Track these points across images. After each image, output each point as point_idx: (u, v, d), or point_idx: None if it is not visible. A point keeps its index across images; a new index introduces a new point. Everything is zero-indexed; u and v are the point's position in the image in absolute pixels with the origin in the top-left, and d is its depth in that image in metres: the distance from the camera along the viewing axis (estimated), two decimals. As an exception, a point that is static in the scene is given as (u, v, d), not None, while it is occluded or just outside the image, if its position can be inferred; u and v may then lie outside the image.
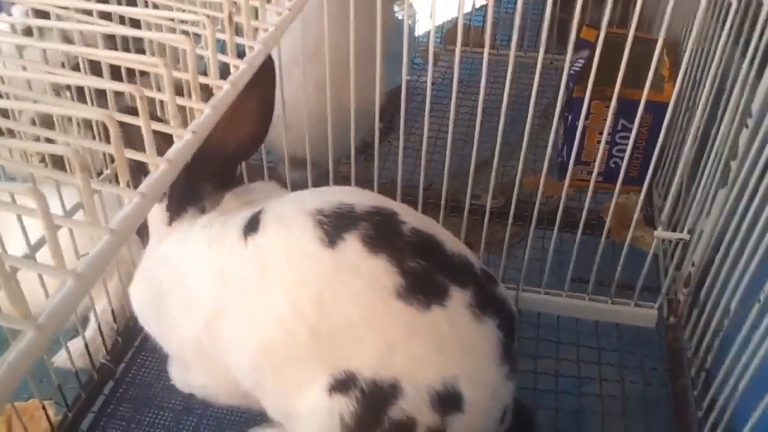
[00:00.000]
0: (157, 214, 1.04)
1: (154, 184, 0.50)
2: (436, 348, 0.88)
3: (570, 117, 1.75)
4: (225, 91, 0.61)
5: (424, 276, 0.88)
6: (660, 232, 1.28)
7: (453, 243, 0.96)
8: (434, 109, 1.28)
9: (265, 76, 0.96)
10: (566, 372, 1.36)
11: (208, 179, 1.01)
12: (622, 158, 1.26)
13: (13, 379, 0.37)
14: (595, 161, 1.34)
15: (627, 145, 1.21)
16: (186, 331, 0.98)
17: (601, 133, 1.43)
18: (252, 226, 0.94)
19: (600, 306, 1.41)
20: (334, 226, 0.89)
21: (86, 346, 1.21)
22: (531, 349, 1.39)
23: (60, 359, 1.22)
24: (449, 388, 0.88)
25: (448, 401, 0.88)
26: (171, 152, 0.53)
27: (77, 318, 1.19)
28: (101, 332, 1.25)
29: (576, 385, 1.34)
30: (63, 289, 0.42)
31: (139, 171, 0.58)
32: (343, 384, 0.87)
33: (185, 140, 0.54)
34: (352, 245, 0.88)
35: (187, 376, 1.16)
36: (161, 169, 0.51)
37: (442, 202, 1.34)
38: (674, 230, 1.35)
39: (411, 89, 1.32)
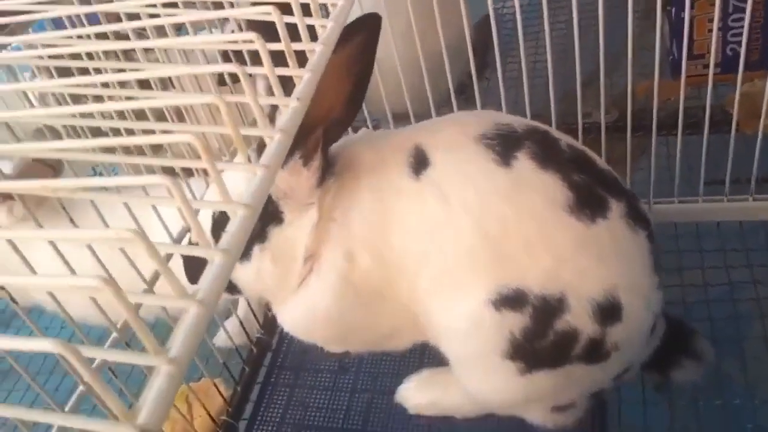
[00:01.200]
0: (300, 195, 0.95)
1: (273, 155, 0.53)
2: (599, 260, 0.89)
3: (674, 10, 1.63)
4: (319, 52, 0.62)
5: (588, 189, 0.90)
6: (793, 114, 1.18)
7: (599, 159, 0.97)
8: (527, 33, 1.24)
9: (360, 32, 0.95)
10: (715, 280, 1.31)
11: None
12: (739, 43, 1.17)
13: (188, 351, 0.40)
14: (709, 52, 1.26)
15: (743, 27, 1.12)
16: (415, 296, 0.96)
17: (710, 21, 1.34)
18: (420, 163, 0.94)
19: (741, 205, 1.33)
20: (503, 146, 0.91)
21: (241, 323, 1.29)
22: (673, 262, 1.34)
23: (220, 339, 1.32)
24: (609, 299, 0.89)
25: (608, 311, 0.89)
26: (282, 122, 0.56)
27: (229, 300, 1.27)
28: (251, 309, 1.33)
29: (728, 291, 1.29)
30: (213, 265, 0.45)
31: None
32: (512, 300, 0.89)
33: (292, 108, 0.57)
34: (524, 162, 0.90)
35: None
36: (276, 139, 0.54)
37: (553, 125, 1.30)
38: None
39: (498, 19, 1.28)
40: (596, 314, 0.89)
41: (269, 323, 1.38)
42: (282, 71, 0.59)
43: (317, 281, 0.97)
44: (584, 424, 1.09)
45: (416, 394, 1.19)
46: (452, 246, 0.92)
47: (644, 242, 0.94)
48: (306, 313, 1.00)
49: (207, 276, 0.44)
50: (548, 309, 0.89)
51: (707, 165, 1.28)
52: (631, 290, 0.91)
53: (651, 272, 0.94)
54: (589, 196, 0.90)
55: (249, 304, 1.32)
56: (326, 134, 0.92)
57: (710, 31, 1.40)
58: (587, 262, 0.89)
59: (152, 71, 0.60)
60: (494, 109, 1.38)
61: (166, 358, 0.39)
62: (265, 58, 0.56)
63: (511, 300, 0.89)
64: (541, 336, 0.90)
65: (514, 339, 0.90)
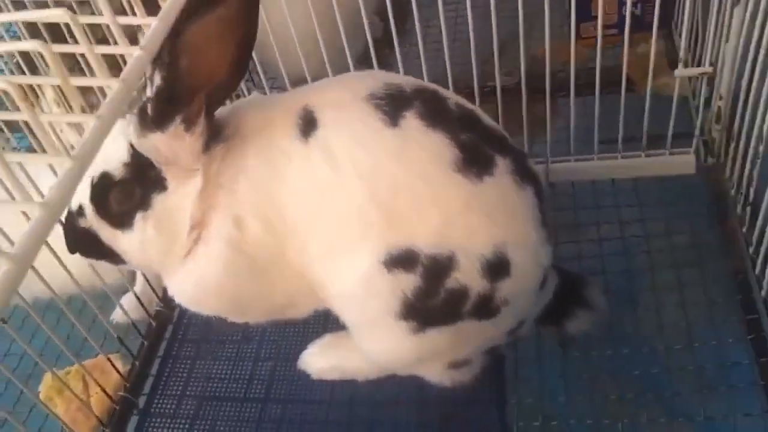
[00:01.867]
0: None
1: (109, 103, 0.50)
2: (488, 217, 0.90)
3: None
4: (170, 1, 0.59)
5: (475, 147, 0.91)
6: (681, 70, 1.22)
7: (487, 118, 0.98)
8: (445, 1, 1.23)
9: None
10: (609, 235, 1.34)
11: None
12: (635, 5, 1.19)
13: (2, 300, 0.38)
14: (606, 13, 1.28)
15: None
16: (304, 266, 0.95)
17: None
18: (308, 124, 0.92)
19: (633, 162, 1.37)
20: (392, 106, 0.91)
21: (137, 298, 1.25)
22: (570, 218, 1.37)
23: (117, 315, 1.28)
24: (498, 255, 0.90)
25: (497, 267, 0.90)
26: (124, 71, 0.53)
27: (124, 275, 1.23)
28: (149, 283, 1.29)
29: (620, 245, 1.33)
30: (33, 221, 0.43)
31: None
32: (402, 260, 0.89)
33: (136, 57, 0.54)
34: (412, 122, 0.90)
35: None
36: (115, 88, 0.51)
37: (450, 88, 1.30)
38: (697, 66, 1.29)
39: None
40: (485, 270, 0.90)
41: (169, 296, 1.34)
42: (126, 20, 0.56)
43: (205, 251, 0.94)
44: (481, 379, 1.11)
45: (318, 359, 1.19)
46: (342, 208, 0.91)
47: (531, 198, 0.95)
48: (195, 284, 0.97)
49: (25, 232, 0.42)
50: (438, 268, 0.89)
51: (605, 125, 1.31)
52: (518, 245, 0.92)
53: (539, 227, 0.95)
54: (476, 154, 0.91)
55: (145, 278, 1.29)
56: (209, 99, 0.89)
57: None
58: (475, 219, 0.90)
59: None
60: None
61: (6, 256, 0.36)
62: (104, 6, 0.53)
63: (401, 260, 0.89)
64: (432, 295, 0.90)
65: (406, 299, 0.90)
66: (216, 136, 0.92)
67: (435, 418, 1.12)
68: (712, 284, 1.22)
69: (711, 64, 1.21)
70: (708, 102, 1.30)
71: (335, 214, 0.91)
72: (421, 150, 0.89)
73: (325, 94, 0.96)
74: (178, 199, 0.92)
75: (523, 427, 1.10)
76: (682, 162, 1.35)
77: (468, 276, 0.90)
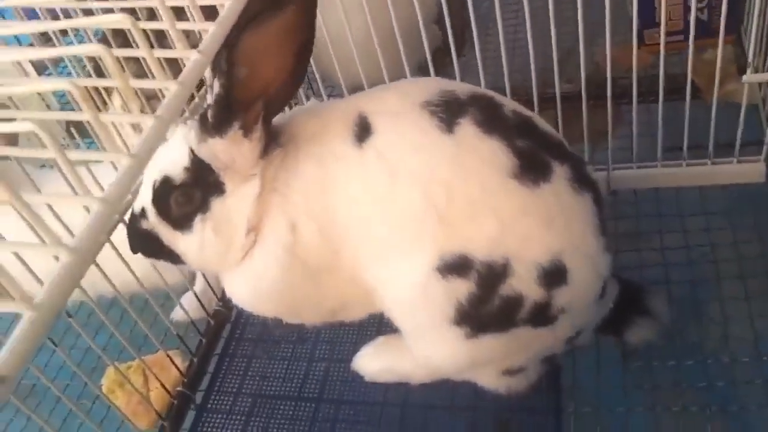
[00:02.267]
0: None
1: (167, 105, 0.52)
2: (544, 224, 0.89)
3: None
4: (228, 6, 0.61)
5: (532, 154, 0.90)
6: (750, 76, 1.17)
7: (544, 124, 0.97)
8: (505, 10, 1.22)
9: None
10: (673, 244, 1.30)
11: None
12: (701, 10, 1.16)
13: (54, 298, 0.40)
14: (671, 19, 1.25)
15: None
16: (359, 270, 0.95)
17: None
18: (363, 130, 0.93)
19: (699, 170, 1.32)
20: (447, 112, 0.91)
21: (197, 298, 1.29)
22: (631, 226, 1.34)
23: (177, 314, 1.31)
24: (555, 263, 0.89)
25: (553, 275, 0.89)
26: (182, 74, 0.55)
27: (185, 276, 1.26)
28: (209, 283, 1.32)
29: (685, 255, 1.28)
30: (92, 215, 0.44)
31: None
32: (457, 267, 0.88)
33: (193, 60, 0.56)
34: (467, 129, 0.90)
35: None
36: (173, 90, 0.53)
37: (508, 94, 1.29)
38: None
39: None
40: (541, 278, 0.89)
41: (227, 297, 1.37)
42: (185, 25, 0.58)
43: (261, 254, 0.96)
44: (538, 387, 1.10)
45: (372, 361, 1.19)
46: (396, 214, 0.91)
47: (590, 205, 0.93)
48: (252, 286, 0.99)
49: (84, 226, 0.43)
50: (493, 275, 0.88)
51: (671, 133, 1.27)
52: (576, 253, 0.91)
53: (598, 235, 0.94)
54: (533, 161, 0.90)
55: (205, 278, 1.32)
56: (267, 106, 0.91)
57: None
58: (532, 226, 0.89)
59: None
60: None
61: (30, 304, 0.38)
62: (164, 11, 0.55)
63: (456, 267, 0.88)
64: (486, 301, 0.90)
65: (460, 305, 0.90)
66: (273, 141, 0.94)
67: (489, 424, 1.11)
68: (781, 296, 1.17)
69: (783, 68, 1.16)
70: (779, 109, 1.25)
71: (389, 221, 0.91)
72: (477, 156, 0.89)
73: (380, 100, 0.97)
74: (236, 202, 0.94)
75: (580, 437, 1.07)
76: (750, 170, 1.30)
77: (523, 283, 0.89)
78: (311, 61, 1.32)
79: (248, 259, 0.96)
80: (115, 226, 1.03)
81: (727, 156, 1.30)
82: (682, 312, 1.21)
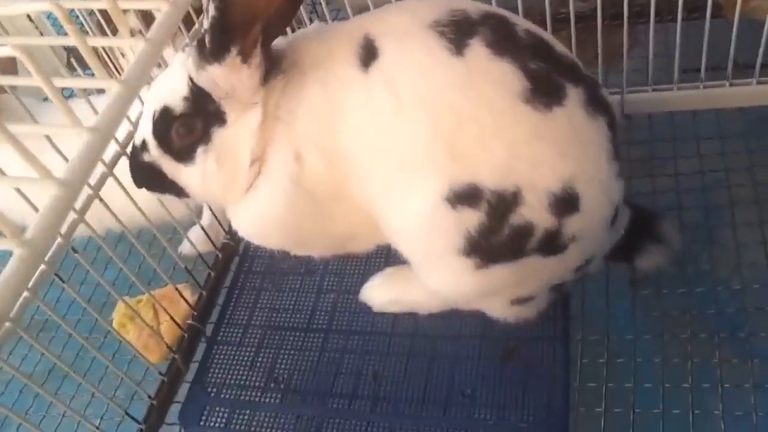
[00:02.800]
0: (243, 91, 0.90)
1: (159, 27, 0.49)
2: (557, 149, 0.86)
3: None
4: None
5: (545, 77, 0.86)
6: (773, -10, 1.11)
7: (559, 45, 0.93)
8: None
9: None
10: (687, 169, 1.28)
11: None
12: None
13: (44, 233, 0.38)
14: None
15: None
16: (366, 195, 0.93)
17: None
18: (369, 54, 0.89)
19: (717, 92, 1.27)
20: (456, 33, 0.87)
21: (205, 231, 1.28)
22: (646, 152, 1.31)
23: (185, 248, 1.31)
24: (567, 190, 0.86)
25: (565, 202, 0.87)
26: (171, -5, 0.51)
27: (191, 210, 1.25)
28: (215, 216, 1.31)
29: (699, 181, 1.26)
30: (82, 145, 0.42)
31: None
32: (467, 196, 0.86)
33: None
34: (478, 50, 0.86)
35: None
36: (164, 11, 0.50)
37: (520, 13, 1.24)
38: (794, -15, 1.18)
39: None
40: (552, 206, 0.86)
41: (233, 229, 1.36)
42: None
43: (266, 185, 0.93)
44: (546, 315, 1.09)
45: (379, 292, 1.19)
46: (403, 140, 0.88)
47: (604, 129, 0.90)
48: (257, 217, 0.98)
49: (75, 155, 0.41)
50: (503, 204, 0.86)
51: (690, 54, 1.22)
52: (589, 180, 0.88)
53: (610, 160, 0.90)
54: (546, 84, 0.86)
55: (212, 211, 1.30)
56: (266, 30, 0.87)
57: None
58: (544, 152, 0.86)
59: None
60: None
61: (20, 240, 0.36)
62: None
63: (465, 196, 0.86)
64: (496, 231, 0.88)
65: (470, 236, 0.88)
66: (274, 68, 0.90)
67: (497, 352, 1.11)
68: (797, 221, 1.15)
69: (809, -18, 1.10)
70: (803, 25, 1.19)
71: (396, 146, 0.88)
72: (487, 79, 0.85)
73: (387, 20, 0.93)
74: (238, 132, 0.91)
75: (588, 363, 1.08)
76: (770, 91, 1.25)
77: (534, 212, 0.87)
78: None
79: (253, 190, 0.95)
80: (117, 160, 1.01)
81: (747, 77, 1.25)
82: (695, 239, 1.19)
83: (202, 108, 0.90)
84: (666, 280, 1.13)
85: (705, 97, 1.29)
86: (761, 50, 1.19)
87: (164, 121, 0.92)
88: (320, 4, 1.40)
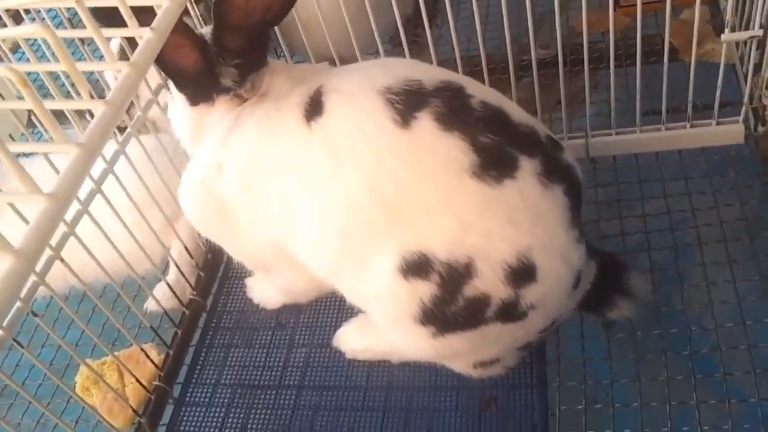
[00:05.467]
0: (185, 114, 1.03)
1: (142, 52, 0.48)
2: (509, 221, 0.85)
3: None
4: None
5: (496, 150, 0.86)
6: (728, 35, 1.15)
7: (518, 112, 0.92)
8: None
9: None
10: (654, 210, 1.29)
11: (235, 57, 0.95)
12: (676, -31, 1.12)
13: (35, 244, 0.37)
14: (645, -20, 1.20)
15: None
16: (261, 233, 0.99)
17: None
18: (315, 108, 0.90)
19: (678, 133, 1.30)
20: (406, 104, 0.87)
21: (170, 287, 1.24)
22: (612, 194, 1.32)
23: (150, 305, 1.27)
24: (523, 260, 0.86)
25: (521, 273, 0.86)
26: (154, 22, 0.51)
27: (156, 266, 1.22)
28: (181, 272, 1.28)
29: (666, 220, 1.27)
30: (70, 159, 0.42)
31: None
32: (418, 267, 0.86)
33: (164, 8, 0.52)
34: (425, 124, 0.85)
35: (268, 287, 1.23)
36: (146, 38, 0.49)
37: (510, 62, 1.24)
38: (746, 30, 1.21)
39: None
40: (508, 277, 0.86)
41: (203, 284, 1.34)
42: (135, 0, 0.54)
43: (188, 171, 1.03)
44: (522, 362, 1.08)
45: (353, 337, 1.18)
46: (340, 198, 0.88)
47: (560, 198, 0.89)
48: (181, 192, 1.05)
49: (64, 172, 0.40)
50: (455, 276, 0.85)
51: (649, 96, 1.25)
52: (545, 249, 0.87)
53: (568, 228, 0.90)
54: (497, 157, 0.85)
55: (178, 267, 1.27)
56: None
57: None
58: (495, 224, 0.85)
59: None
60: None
61: (11, 251, 0.35)
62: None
63: (416, 267, 0.86)
64: (450, 303, 0.87)
65: (424, 306, 0.88)
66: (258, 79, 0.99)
67: (474, 402, 1.09)
68: (763, 258, 1.16)
69: (761, 27, 1.13)
70: (758, 67, 1.22)
71: (330, 205, 0.89)
72: (431, 154, 0.85)
73: (343, 78, 0.94)
74: (198, 113, 1.01)
75: (566, 410, 1.06)
76: (730, 132, 1.28)
77: (489, 283, 0.86)
78: (277, 33, 1.29)
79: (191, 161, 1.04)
80: (78, 219, 0.99)
81: (706, 118, 1.28)
82: (665, 279, 1.20)
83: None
84: (640, 322, 1.12)
85: (667, 139, 1.32)
86: (718, 91, 1.22)
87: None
88: (284, 55, 1.40)
